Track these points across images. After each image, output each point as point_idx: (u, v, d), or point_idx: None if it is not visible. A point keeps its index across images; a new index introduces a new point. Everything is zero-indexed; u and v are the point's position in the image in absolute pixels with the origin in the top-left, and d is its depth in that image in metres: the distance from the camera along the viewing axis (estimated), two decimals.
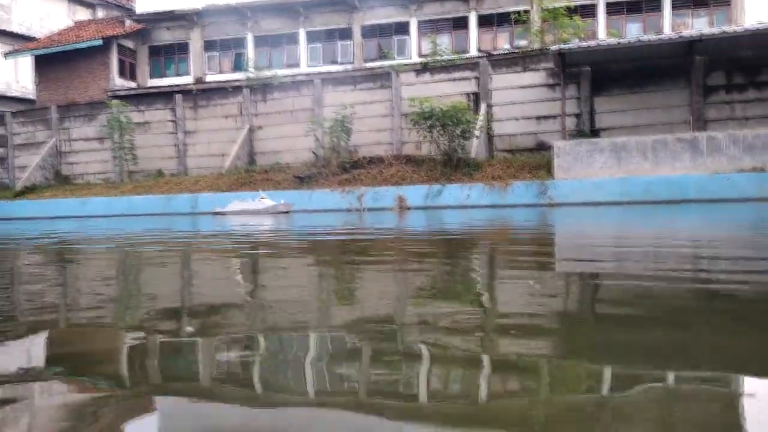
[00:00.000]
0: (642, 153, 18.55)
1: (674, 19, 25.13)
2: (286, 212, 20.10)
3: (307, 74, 27.09)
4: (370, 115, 25.04)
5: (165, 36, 31.46)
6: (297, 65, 29.69)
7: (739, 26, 20.11)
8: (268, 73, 27.30)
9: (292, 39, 30.00)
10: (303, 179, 22.94)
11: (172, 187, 24.95)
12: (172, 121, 28.17)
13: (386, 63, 26.52)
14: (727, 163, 17.69)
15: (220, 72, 30.83)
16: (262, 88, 26.85)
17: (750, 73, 20.44)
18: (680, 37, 19.26)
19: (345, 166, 22.97)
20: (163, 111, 28.34)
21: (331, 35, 29.61)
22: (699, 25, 24.45)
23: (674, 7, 25.10)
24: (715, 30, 19.38)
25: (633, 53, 20.35)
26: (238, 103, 27.27)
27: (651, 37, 20.14)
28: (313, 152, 24.67)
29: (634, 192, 17.94)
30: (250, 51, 30.24)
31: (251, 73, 27.55)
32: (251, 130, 26.88)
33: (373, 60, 28.38)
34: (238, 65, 30.02)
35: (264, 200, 20.59)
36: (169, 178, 26.67)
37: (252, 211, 20.30)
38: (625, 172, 18.59)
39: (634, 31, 25.15)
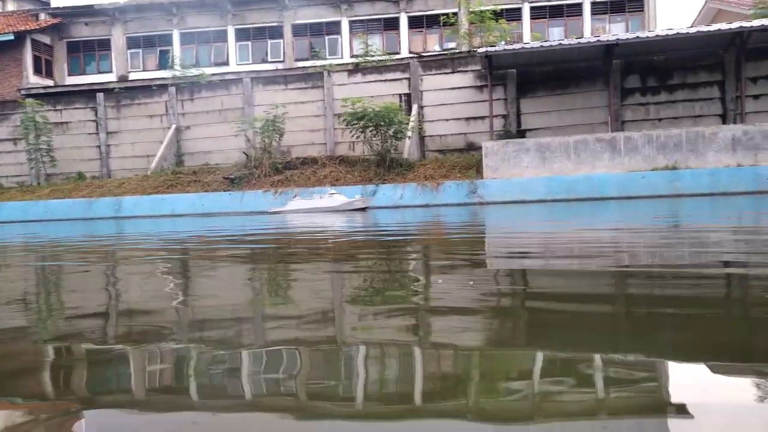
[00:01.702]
0: (565, 153, 19.36)
1: (594, 23, 26.36)
2: (364, 209, 18.28)
3: (237, 73, 26.52)
4: (303, 115, 24.84)
5: (84, 31, 29.93)
6: (226, 63, 29.01)
7: (651, 32, 21.33)
8: (195, 71, 26.52)
9: (221, 36, 29.27)
10: (233, 180, 22.45)
11: (94, 190, 23.79)
12: (94, 120, 26.86)
13: (318, 63, 26.37)
14: (642, 161, 18.75)
15: (145, 70, 29.67)
16: (189, 86, 26.05)
17: (662, 77, 21.73)
18: (599, 40, 20.24)
19: (277, 167, 22.67)
20: (84, 110, 26.97)
21: (261, 33, 29.11)
22: (616, 29, 25.77)
23: (593, 12, 26.34)
24: (631, 35, 20.47)
25: (556, 56, 21.21)
26: (164, 102, 26.35)
27: (572, 40, 21.01)
28: (244, 153, 24.19)
29: (558, 190, 18.69)
30: (176, 48, 29.26)
31: (178, 71, 26.67)
32: (178, 130, 26.04)
33: (304, 59, 28.15)
34: (164, 63, 28.97)
35: (334, 196, 18.73)
36: (91, 181, 25.43)
37: (320, 209, 18.45)
38: (550, 171, 19.34)
39: (556, 34, 26.19)
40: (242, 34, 29.18)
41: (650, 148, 18.74)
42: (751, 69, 20.58)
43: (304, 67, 26.34)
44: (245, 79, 25.66)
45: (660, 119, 21.56)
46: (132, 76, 29.42)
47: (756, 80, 20.80)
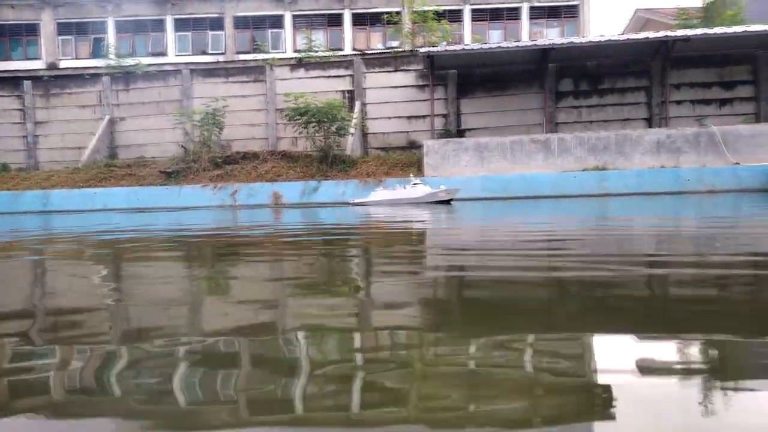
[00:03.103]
0: (502, 153, 19.95)
1: (532, 27, 27.21)
2: (449, 200, 17.24)
3: (175, 64, 25.79)
4: (244, 109, 24.45)
5: (9, 14, 28.30)
6: (164, 54, 28.14)
7: (585, 38, 22.26)
8: (131, 60, 25.60)
9: (159, 26, 28.37)
10: (170, 174, 21.86)
11: (19, 182, 22.60)
12: (20, 109, 25.50)
13: (260, 56, 26.00)
14: (574, 162, 19.56)
15: (77, 58, 28.36)
16: (124, 76, 25.14)
17: (594, 81, 22.71)
18: (535, 44, 20.93)
19: (217, 161, 22.23)
20: (9, 98, 25.54)
21: (201, 24, 28.41)
22: (552, 34, 26.72)
23: (531, 16, 27.19)
24: (565, 40, 21.30)
25: (495, 58, 21.78)
26: (98, 92, 25.32)
27: (510, 44, 21.66)
28: (182, 146, 23.58)
29: (495, 189, 19.23)
30: (111, 36, 28.14)
31: (112, 60, 25.67)
32: (112, 122, 25.09)
33: (246, 52, 27.68)
34: (98, 51, 27.80)
35: (418, 186, 17.61)
36: (16, 173, 24.13)
37: (403, 200, 17.42)
38: (488, 170, 19.88)
39: (496, 37, 26.89)
40: (181, 25, 28.39)
41: (581, 150, 19.58)
42: (675, 76, 21.81)
43: (245, 61, 25.93)
44: (184, 70, 25.00)
45: (591, 122, 22.53)
46: (63, 64, 28.07)
47: (679, 87, 22.07)
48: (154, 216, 14.48)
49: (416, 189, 17.38)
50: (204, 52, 28.15)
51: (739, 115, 21.55)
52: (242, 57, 27.09)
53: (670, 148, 19.30)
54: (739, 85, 21.91)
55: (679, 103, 22.06)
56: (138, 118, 25.00)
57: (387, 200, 17.54)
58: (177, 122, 23.24)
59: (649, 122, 22.22)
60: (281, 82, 24.42)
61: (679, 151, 19.24)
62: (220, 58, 27.34)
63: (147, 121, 24.88)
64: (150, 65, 25.35)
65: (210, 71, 25.09)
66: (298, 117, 21.30)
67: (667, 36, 20.11)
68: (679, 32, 20.54)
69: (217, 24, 28.31)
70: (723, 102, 21.94)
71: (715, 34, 19.58)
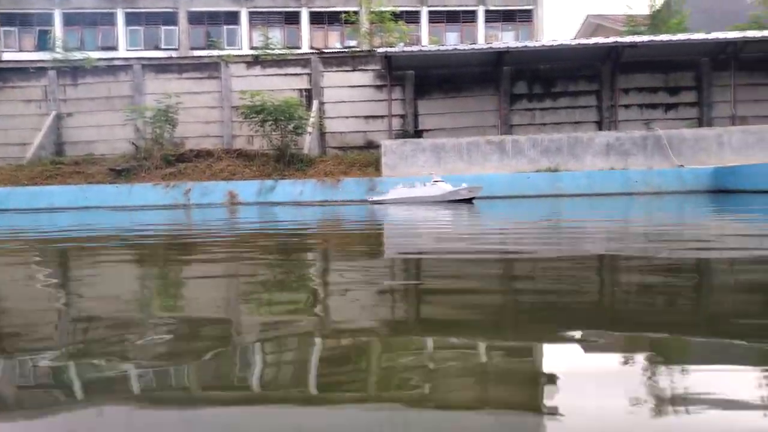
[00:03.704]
0: (458, 153, 20.21)
1: (487, 31, 27.63)
2: (470, 199, 16.45)
3: (126, 59, 25.05)
4: (198, 105, 23.95)
5: None
6: (114, 48, 27.25)
7: (538, 42, 22.76)
8: (79, 55, 24.70)
9: (109, 19, 27.46)
10: (121, 172, 21.23)
11: None
12: None
13: (215, 53, 25.50)
14: (528, 163, 19.99)
15: (21, 50, 27.15)
16: (72, 71, 24.25)
17: (547, 85, 23.26)
18: (490, 47, 21.29)
19: (169, 159, 21.71)
20: None
21: (154, 19, 27.65)
22: (507, 38, 27.20)
23: (487, 20, 27.62)
24: (519, 44, 21.73)
25: (452, 60, 22.04)
26: (43, 87, 24.34)
27: (466, 46, 21.96)
28: (133, 143, 22.92)
29: None
30: (57, 29, 27.04)
31: (59, 53, 24.70)
32: (59, 117, 24.16)
33: (200, 48, 27.11)
34: (43, 44, 26.68)
35: (439, 184, 16.76)
36: None
37: (422, 198, 16.66)
38: (444, 170, 20.07)
39: (453, 39, 27.19)
40: (133, 19, 27.55)
41: (535, 151, 20.03)
42: (624, 81, 22.56)
43: (200, 57, 25.41)
44: (135, 65, 24.31)
45: (544, 124, 23.06)
46: (5, 56, 26.82)
47: (628, 91, 22.84)
48: (102, 215, 14.02)
49: (436, 187, 16.69)
50: (157, 47, 27.42)
51: (683, 120, 22.46)
52: (197, 53, 26.53)
53: (619, 151, 19.96)
54: (684, 90, 22.84)
55: (627, 107, 22.83)
56: (87, 114, 24.16)
57: (405, 198, 16.93)
58: (128, 119, 22.60)
59: (600, 125, 22.91)
60: (237, 79, 24.05)
61: (628, 153, 19.92)
62: (174, 54, 26.68)
63: (96, 117, 24.08)
64: (100, 60, 24.55)
65: (163, 67, 24.47)
66: (254, 115, 21.04)
67: (616, 42, 20.79)
68: (628, 38, 21.28)
69: (170, 19, 27.62)
70: (669, 106, 22.82)
71: (660, 41, 20.37)
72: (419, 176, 19.85)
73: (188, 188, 20.17)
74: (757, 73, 22.30)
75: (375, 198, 17.69)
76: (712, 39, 20.28)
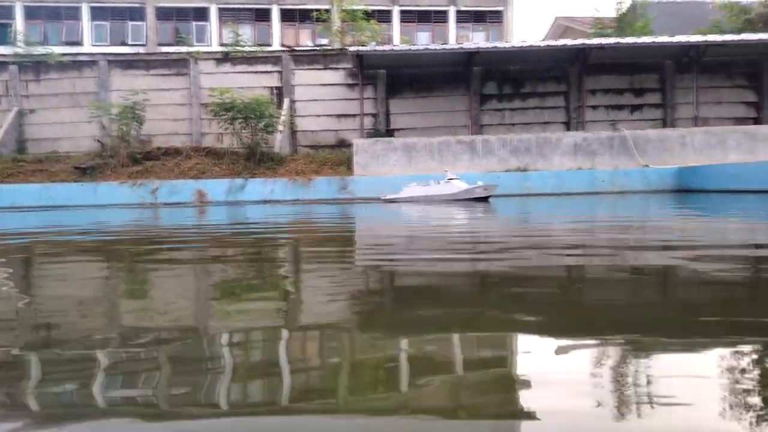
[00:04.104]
0: (429, 153, 20.32)
1: (458, 31, 27.84)
2: (486, 198, 16.05)
3: (92, 54, 24.45)
4: (166, 103, 23.54)
5: None
6: (79, 43, 26.57)
7: (508, 43, 23.04)
8: (42, 49, 24.02)
9: (74, 13, 26.76)
10: (86, 170, 20.73)
11: None
12: None
13: (184, 49, 25.10)
14: (498, 163, 20.21)
15: None
16: (34, 66, 23.56)
17: (517, 85, 23.54)
18: (461, 48, 21.45)
19: (136, 157, 21.29)
20: None
21: (120, 13, 27.06)
22: (478, 38, 27.45)
23: (458, 20, 27.82)
24: (490, 44, 21.95)
25: (423, 60, 22.13)
26: (4, 82, 23.59)
27: (437, 46, 22.09)
28: (99, 141, 22.40)
29: None
30: (18, 22, 26.24)
31: (20, 48, 23.98)
32: (21, 114, 23.46)
33: (169, 45, 26.63)
34: (4, 38, 25.82)
35: (453, 182, 16.39)
36: None
37: (436, 196, 16.32)
38: (416, 170, 20.17)
39: (424, 39, 27.31)
40: (99, 13, 26.91)
41: (505, 151, 20.27)
42: (591, 82, 22.99)
43: (168, 53, 24.96)
44: (101, 61, 23.75)
45: (514, 124, 23.33)
46: None
47: (595, 92, 23.28)
48: (65, 215, 13.67)
49: (451, 185, 16.39)
50: (123, 43, 26.86)
51: (648, 121, 23.00)
52: (165, 49, 26.05)
53: (586, 151, 20.33)
54: (649, 92, 23.38)
55: (594, 107, 23.26)
56: (50, 110, 23.51)
57: (420, 196, 16.64)
58: (93, 116, 22.08)
59: (568, 126, 23.28)
60: (206, 76, 23.71)
61: (595, 153, 20.30)
62: (141, 50, 26.19)
63: (60, 113, 23.44)
64: (63, 55, 23.90)
65: (130, 63, 23.98)
66: (223, 113, 20.78)
67: (584, 44, 21.17)
68: (595, 41, 21.69)
69: (137, 14, 27.07)
70: (634, 108, 23.33)
71: (626, 43, 20.83)
72: (390, 175, 19.93)
73: (156, 187, 19.83)
74: (718, 76, 22.97)
75: (389, 196, 17.42)
76: (675, 42, 20.81)
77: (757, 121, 22.83)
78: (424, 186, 16.95)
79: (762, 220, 7.19)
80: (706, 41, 20.91)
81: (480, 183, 16.22)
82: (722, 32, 24.27)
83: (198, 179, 20.33)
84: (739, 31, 24.39)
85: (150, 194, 19.70)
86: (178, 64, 23.91)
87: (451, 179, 16.54)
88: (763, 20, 25.68)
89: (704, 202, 11.96)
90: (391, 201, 16.88)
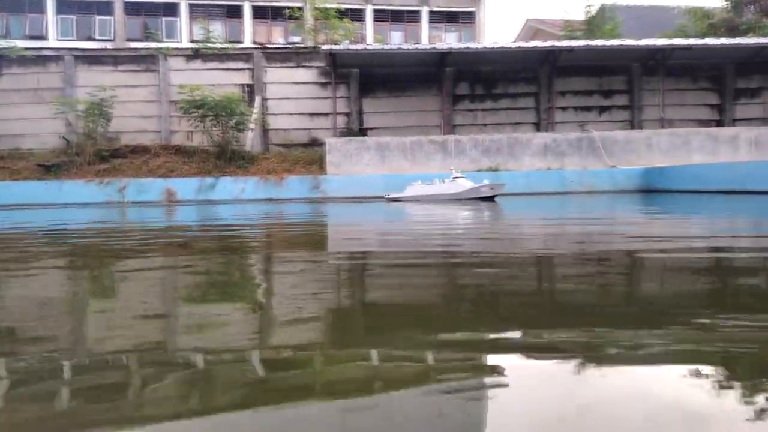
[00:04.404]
0: (402, 152, 20.37)
1: (431, 31, 27.97)
2: (493, 197, 15.59)
3: (57, 49, 23.79)
4: (134, 99, 23.09)
5: None
6: (43, 37, 25.87)
7: (480, 44, 23.23)
8: (3, 43, 23.26)
9: (37, 6, 26.04)
10: (50, 168, 20.22)
11: None
12: None
13: (153, 45, 24.61)
14: (469, 163, 20.37)
15: None
16: None
17: (488, 86, 23.75)
18: (434, 48, 21.55)
19: (103, 155, 20.84)
20: None
21: (87, 7, 26.43)
22: (450, 39, 27.62)
23: (431, 20, 27.95)
24: (462, 45, 22.10)
25: (396, 60, 22.16)
26: None
27: (410, 46, 22.15)
28: (64, 138, 21.85)
29: (395, 187, 19.51)
30: None
31: None
32: None
33: (137, 40, 26.13)
34: None
35: (459, 180, 15.92)
36: None
37: (440, 196, 15.89)
38: (389, 169, 20.21)
39: (397, 39, 27.37)
40: (64, 7, 26.24)
41: (476, 151, 20.45)
42: (561, 84, 23.34)
43: (136, 49, 24.45)
44: (67, 56, 23.15)
45: (486, 125, 23.54)
46: None
47: (564, 94, 23.63)
48: (28, 214, 13.32)
49: (456, 184, 15.96)
50: (90, 38, 26.25)
51: (616, 122, 23.46)
52: (133, 45, 25.53)
53: (555, 152, 20.64)
54: (617, 94, 23.84)
55: (564, 109, 23.62)
56: (12, 106, 22.79)
57: (423, 196, 16.27)
58: (58, 112, 21.52)
59: (538, 126, 23.59)
60: (176, 73, 23.33)
61: (564, 154, 20.63)
62: (109, 45, 25.61)
63: (23, 109, 22.76)
64: (27, 49, 23.19)
65: (96, 58, 23.42)
66: (193, 110, 20.50)
67: (553, 46, 21.47)
68: (564, 43, 22.01)
69: (105, 8, 26.49)
70: (602, 109, 23.77)
71: (595, 45, 21.20)
72: (363, 174, 19.92)
73: (123, 185, 19.46)
74: (683, 79, 23.56)
75: (392, 195, 17.12)
76: (642, 45, 21.26)
77: (719, 123, 23.51)
78: (428, 185, 16.58)
79: (694, 216, 7.41)
80: (671, 45, 21.41)
81: (486, 182, 15.87)
82: (687, 36, 24.94)
83: (167, 178, 20.02)
84: (703, 35, 25.07)
85: (117, 193, 19.32)
86: (147, 60, 23.48)
87: (457, 178, 16.15)
88: (725, 25, 26.47)
89: (662, 203, 12.26)
90: (395, 200, 16.60)
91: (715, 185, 15.77)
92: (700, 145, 20.53)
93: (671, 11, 29.96)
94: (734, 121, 23.57)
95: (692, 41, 21.69)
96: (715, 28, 26.43)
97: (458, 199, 15.54)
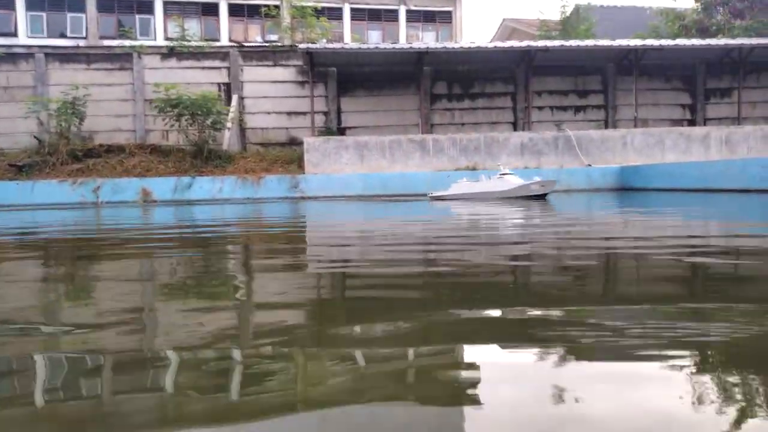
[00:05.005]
0: (381, 151, 20.40)
1: (409, 30, 28.02)
2: (544, 195, 14.58)
3: (28, 47, 23.26)
4: (109, 98, 22.72)
5: None
6: (13, 35, 25.24)
7: (457, 43, 23.35)
8: None
9: (7, 3, 25.37)
10: (22, 168, 19.79)
11: None
12: None
13: (127, 43, 24.24)
14: (448, 162, 20.50)
15: None
16: None
17: (466, 85, 23.90)
18: (411, 47, 21.58)
19: (77, 155, 20.46)
20: None
21: (58, 4, 25.87)
22: (428, 38, 27.72)
23: (408, 19, 27.99)
24: (439, 45, 22.20)
25: (374, 59, 22.18)
26: None
27: (388, 45, 22.17)
28: (36, 137, 21.38)
29: (374, 186, 19.60)
30: None
31: None
32: None
33: (111, 38, 25.68)
34: None
35: (506, 177, 14.89)
36: None
37: (486, 194, 14.99)
38: (368, 168, 20.23)
39: (375, 38, 27.36)
40: (35, 3, 25.65)
41: (455, 150, 20.58)
42: (537, 83, 23.57)
43: (110, 47, 24.05)
44: (38, 54, 22.66)
45: (463, 124, 23.70)
46: None
47: (541, 93, 23.89)
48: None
49: (503, 181, 14.92)
50: (62, 35, 25.72)
51: (591, 121, 23.81)
52: (107, 43, 25.11)
53: (532, 151, 20.87)
54: (592, 93, 24.19)
55: (540, 108, 23.88)
56: None
57: (468, 194, 15.33)
58: (30, 111, 21.00)
59: (515, 126, 23.83)
60: (151, 71, 23.01)
61: (541, 153, 20.87)
62: (81, 43, 25.13)
63: None
64: None
65: (69, 56, 22.97)
66: (169, 109, 20.23)
67: (529, 46, 21.69)
68: (540, 43, 22.24)
69: (77, 5, 25.95)
70: (578, 109, 24.09)
71: (570, 46, 21.47)
72: (342, 173, 19.90)
73: (98, 185, 19.14)
74: (656, 79, 24.00)
75: (436, 194, 16.26)
76: (616, 46, 21.60)
77: (691, 122, 24.02)
78: (474, 182, 15.73)
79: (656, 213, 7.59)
80: (644, 45, 21.79)
81: (537, 178, 14.89)
82: (660, 37, 25.42)
83: (143, 177, 19.74)
84: (675, 36, 25.60)
85: (91, 193, 19.00)
86: (121, 59, 23.10)
87: (504, 174, 15.15)
88: (696, 26, 27.03)
89: (632, 200, 12.49)
90: (439, 199, 15.72)
91: (688, 183, 16.12)
92: (674, 144, 20.94)
93: (644, 12, 30.48)
94: (706, 121, 24.11)
95: (664, 42, 22.10)
96: (686, 29, 26.98)
97: (506, 198, 14.62)
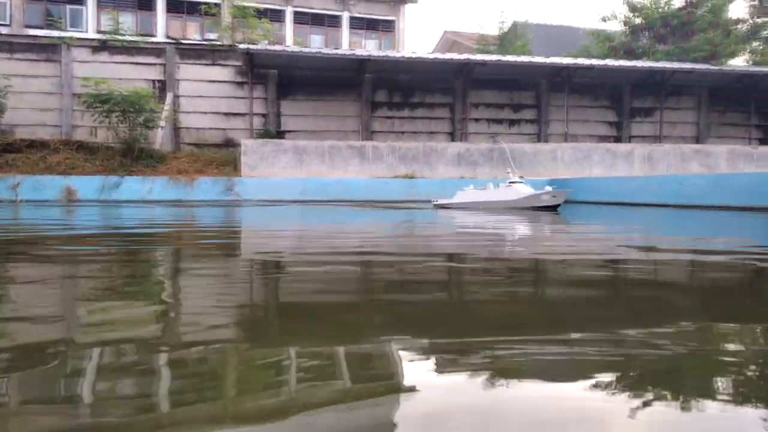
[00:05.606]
0: (320, 157, 20.32)
1: (351, 37, 28.07)
2: (556, 206, 13.21)
3: None
4: (33, 90, 21.57)
5: None
6: None
7: (399, 53, 23.63)
8: None
9: None
10: None
11: None
12: None
13: (55, 33, 23.05)
14: (387, 169, 20.66)
15: None
16: None
17: (406, 95, 24.20)
18: (353, 54, 21.68)
19: None
20: None
21: None
22: (370, 46, 27.88)
23: (351, 26, 28.05)
24: (381, 53, 22.40)
25: (316, 63, 22.11)
26: None
27: (330, 50, 22.16)
28: None
29: (313, 191, 19.48)
30: None
31: None
32: None
33: (38, 27, 24.29)
34: None
35: (515, 186, 13.83)
36: None
37: (493, 203, 13.97)
38: (307, 173, 20.09)
39: (317, 42, 27.25)
40: None
41: (393, 158, 20.77)
42: (474, 96, 24.20)
43: (36, 36, 22.80)
44: None
45: (403, 132, 23.98)
46: None
47: (478, 106, 24.53)
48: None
49: (512, 190, 13.92)
50: None
51: (525, 135, 24.63)
52: (33, 32, 23.75)
53: (468, 161, 21.36)
54: (526, 108, 25.06)
55: (477, 120, 24.51)
56: None
57: (474, 203, 14.50)
58: None
59: (453, 136, 24.33)
60: (80, 64, 22.00)
61: (476, 164, 21.40)
62: (4, 31, 23.68)
63: None
64: None
65: None
66: (98, 105, 19.39)
67: (468, 59, 22.24)
68: (478, 56, 22.88)
69: None
70: (512, 122, 24.89)
71: (507, 61, 22.20)
72: (280, 177, 19.67)
73: (17, 182, 18.05)
74: (586, 97, 25.15)
75: (440, 202, 15.43)
76: (549, 63, 22.49)
77: (617, 139, 25.30)
78: (480, 190, 14.86)
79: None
80: (575, 64, 22.80)
81: (548, 188, 13.70)
82: (590, 57, 26.68)
83: (67, 175, 18.79)
84: (604, 56, 26.93)
85: (9, 190, 17.89)
86: (48, 50, 21.97)
87: (513, 183, 14.20)
88: (624, 48, 28.56)
89: (559, 214, 12.99)
90: (443, 207, 14.80)
91: (612, 197, 16.94)
92: (600, 159, 21.98)
93: (577, 32, 31.93)
94: (630, 138, 25.46)
95: (594, 62, 23.21)
96: (615, 51, 28.45)
97: (514, 208, 13.69)
